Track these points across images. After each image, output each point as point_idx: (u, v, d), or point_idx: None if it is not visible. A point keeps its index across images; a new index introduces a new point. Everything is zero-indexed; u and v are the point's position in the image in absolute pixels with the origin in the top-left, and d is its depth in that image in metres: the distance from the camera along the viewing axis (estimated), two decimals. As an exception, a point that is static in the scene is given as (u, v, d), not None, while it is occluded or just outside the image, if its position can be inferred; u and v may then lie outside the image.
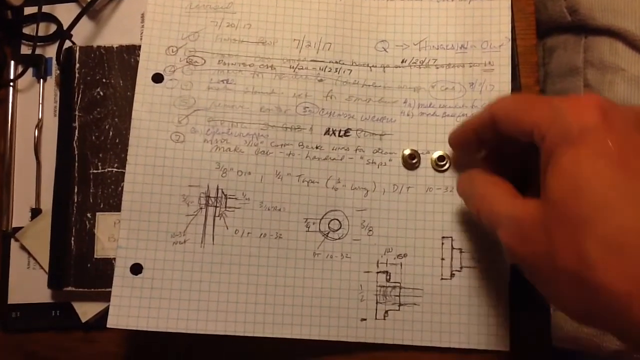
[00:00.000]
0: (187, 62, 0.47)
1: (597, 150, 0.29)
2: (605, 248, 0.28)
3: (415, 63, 0.47)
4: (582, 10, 0.46)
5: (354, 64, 0.47)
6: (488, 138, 0.39)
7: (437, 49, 0.47)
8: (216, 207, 0.45)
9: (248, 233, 0.44)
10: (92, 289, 0.45)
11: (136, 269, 0.43)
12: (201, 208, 0.44)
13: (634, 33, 0.44)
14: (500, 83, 0.46)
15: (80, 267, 0.46)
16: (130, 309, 0.43)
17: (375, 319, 0.44)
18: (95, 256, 0.46)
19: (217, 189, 0.45)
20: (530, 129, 0.33)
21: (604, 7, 0.45)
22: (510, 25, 0.47)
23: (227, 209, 0.45)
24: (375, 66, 0.47)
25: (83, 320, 0.46)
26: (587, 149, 0.30)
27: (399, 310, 0.44)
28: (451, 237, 0.44)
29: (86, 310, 0.46)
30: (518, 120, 0.34)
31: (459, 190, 0.43)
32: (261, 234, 0.44)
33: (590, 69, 0.46)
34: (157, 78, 0.46)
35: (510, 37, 0.46)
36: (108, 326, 0.42)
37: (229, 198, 0.45)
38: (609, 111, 0.31)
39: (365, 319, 0.44)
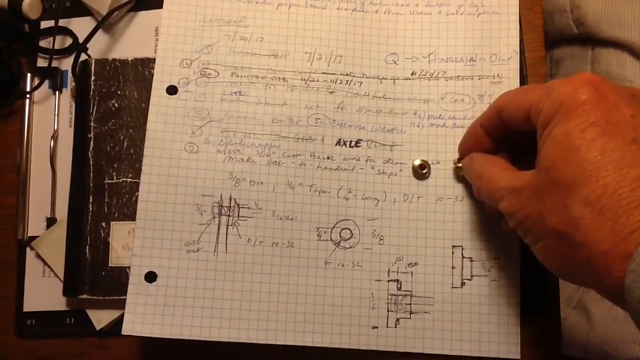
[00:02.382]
0: (200, 74, 0.48)
1: (587, 121, 0.31)
2: (588, 208, 0.30)
3: (424, 75, 0.48)
4: (588, 22, 0.47)
5: (364, 76, 0.48)
6: (493, 131, 0.41)
7: (447, 61, 0.48)
8: (229, 216, 0.45)
9: (260, 242, 0.45)
10: (107, 297, 0.46)
11: (150, 277, 0.44)
12: (214, 217, 0.45)
13: None
14: (508, 95, 0.47)
15: (94, 275, 0.46)
16: (144, 316, 0.43)
17: (387, 327, 0.44)
18: (109, 264, 0.47)
19: (230, 199, 0.45)
20: (529, 108, 0.36)
21: (611, 19, 0.46)
22: (518, 38, 0.47)
23: (240, 218, 0.45)
24: (386, 78, 0.48)
25: (97, 328, 0.47)
26: (578, 119, 0.32)
27: (410, 318, 0.44)
28: (461, 246, 0.45)
29: (100, 318, 0.47)
30: (518, 103, 0.37)
31: (465, 173, 0.44)
32: (273, 243, 0.45)
33: None
34: (172, 90, 0.47)
35: (518, 50, 0.47)
36: (123, 333, 0.43)
37: (242, 207, 0.45)
38: (601, 86, 0.33)
39: (376, 327, 0.44)
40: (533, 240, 0.35)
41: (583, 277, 0.32)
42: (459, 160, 0.45)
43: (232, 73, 0.48)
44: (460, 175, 0.45)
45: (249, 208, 0.45)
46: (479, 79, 0.47)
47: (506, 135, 0.41)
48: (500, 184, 0.37)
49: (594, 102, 0.32)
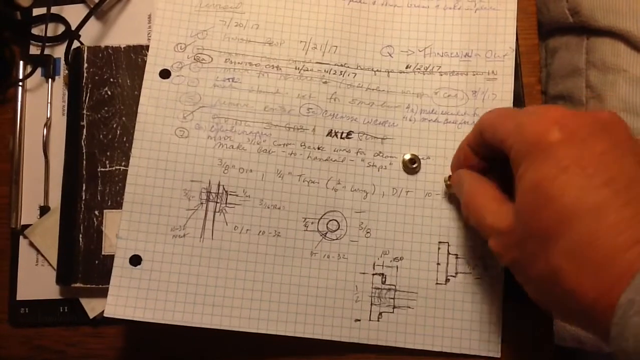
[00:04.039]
0: (194, 59, 0.47)
1: (557, 166, 0.31)
2: (566, 259, 0.30)
3: (419, 69, 0.47)
4: (583, 11, 0.47)
5: (358, 67, 0.47)
6: (479, 150, 0.41)
7: (442, 56, 0.47)
8: (217, 202, 0.45)
9: (247, 230, 0.45)
10: (100, 285, 0.46)
11: (135, 260, 0.44)
12: (202, 203, 0.45)
13: (635, 34, 0.44)
14: (502, 92, 0.46)
15: (88, 264, 0.46)
16: (127, 299, 0.43)
17: (369, 320, 0.44)
18: (102, 253, 0.46)
19: (219, 185, 0.45)
20: (502, 140, 0.36)
21: (606, 8, 0.45)
22: (515, 35, 0.47)
23: (228, 205, 0.45)
24: (380, 71, 0.47)
25: (91, 316, 0.47)
26: (549, 165, 0.31)
27: (393, 312, 0.44)
28: (447, 243, 0.45)
29: (94, 307, 0.47)
30: (494, 131, 0.37)
31: (454, 190, 0.44)
32: (260, 232, 0.45)
33: (592, 70, 0.47)
34: (165, 74, 0.47)
35: (514, 47, 0.47)
36: (105, 315, 0.43)
37: (230, 194, 0.45)
38: (569, 123, 0.32)
39: (359, 320, 0.44)
40: (523, 282, 0.35)
41: (574, 319, 0.33)
42: (450, 178, 0.45)
43: (226, 59, 0.47)
44: (451, 193, 0.45)
45: (237, 195, 0.45)
46: (474, 74, 0.47)
47: (492, 155, 0.40)
48: (487, 221, 0.37)
49: (563, 143, 0.32)
